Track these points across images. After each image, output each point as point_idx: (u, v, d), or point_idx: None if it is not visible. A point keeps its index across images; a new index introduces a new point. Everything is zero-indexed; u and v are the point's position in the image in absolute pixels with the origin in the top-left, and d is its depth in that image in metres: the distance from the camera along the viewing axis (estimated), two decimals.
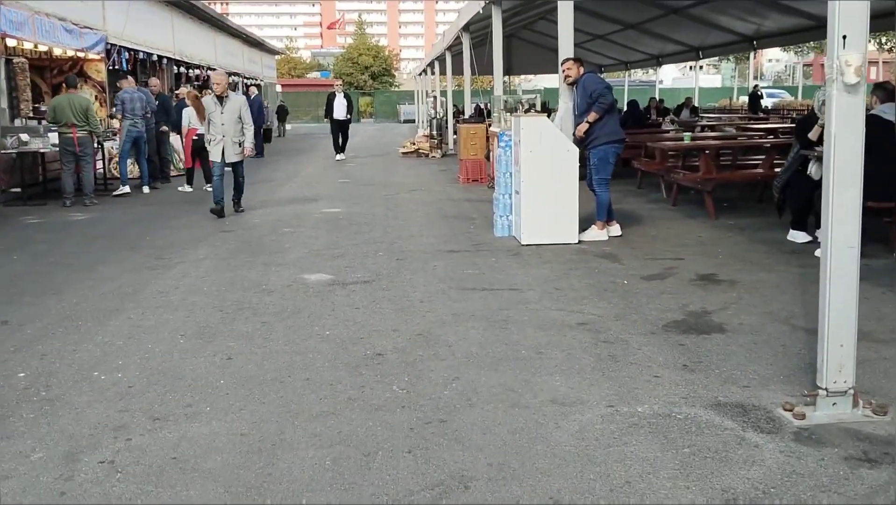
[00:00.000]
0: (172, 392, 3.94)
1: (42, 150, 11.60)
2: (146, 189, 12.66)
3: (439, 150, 20.59)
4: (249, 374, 4.18)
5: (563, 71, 8.13)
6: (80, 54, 15.61)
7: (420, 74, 35.96)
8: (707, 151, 9.74)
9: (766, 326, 4.93)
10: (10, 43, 12.35)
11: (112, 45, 17.18)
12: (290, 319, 5.25)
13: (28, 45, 13.20)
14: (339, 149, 20.16)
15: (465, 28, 17.00)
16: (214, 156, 9.97)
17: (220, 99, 9.82)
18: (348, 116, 20.16)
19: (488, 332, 4.88)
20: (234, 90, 15.03)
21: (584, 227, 8.13)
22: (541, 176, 7.68)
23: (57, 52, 14.70)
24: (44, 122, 11.88)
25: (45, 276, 6.72)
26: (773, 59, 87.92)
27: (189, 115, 12.93)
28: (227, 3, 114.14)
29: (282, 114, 37.08)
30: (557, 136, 7.73)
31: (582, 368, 4.21)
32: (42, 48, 14.31)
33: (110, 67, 17.22)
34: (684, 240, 7.97)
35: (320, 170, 17.37)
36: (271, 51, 42.38)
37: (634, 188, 12.36)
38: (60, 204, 11.30)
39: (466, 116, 16.73)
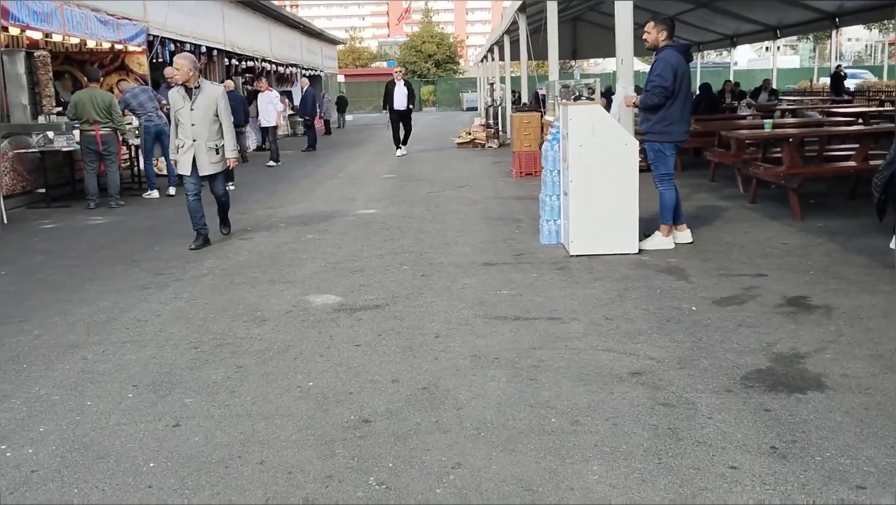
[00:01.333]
0: (82, 482, 3.00)
1: (66, 149, 10.96)
2: (172, 190, 11.91)
3: (496, 140, 19.49)
4: (191, 451, 3.21)
5: (644, 35, 6.93)
6: (119, 46, 15.05)
7: (481, 61, 34.79)
8: (791, 141, 8.42)
9: (879, 379, 3.74)
10: (35, 35, 11.76)
11: (154, 36, 16.61)
12: (272, 361, 4.28)
13: (57, 38, 12.59)
14: (401, 142, 18.35)
15: (522, 9, 15.82)
16: (183, 167, 7.55)
17: (189, 92, 7.44)
18: (409, 106, 18.17)
19: (512, 385, 3.82)
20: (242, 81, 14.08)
21: (648, 230, 6.97)
22: (593, 174, 6.55)
23: (90, 44, 14.13)
24: (65, 119, 11.23)
25: (22, 296, 5.93)
26: (853, 38, 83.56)
27: None
28: None
29: (341, 105, 36.39)
30: (613, 126, 6.58)
31: (631, 449, 3.11)
32: (76, 41, 13.78)
33: (153, 60, 16.67)
34: (766, 248, 6.73)
35: (368, 164, 16.47)
36: (332, 41, 41.79)
37: (707, 181, 11.06)
38: (84, 206, 10.64)
39: (521, 104, 15.56)
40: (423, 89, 59.53)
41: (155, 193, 11.76)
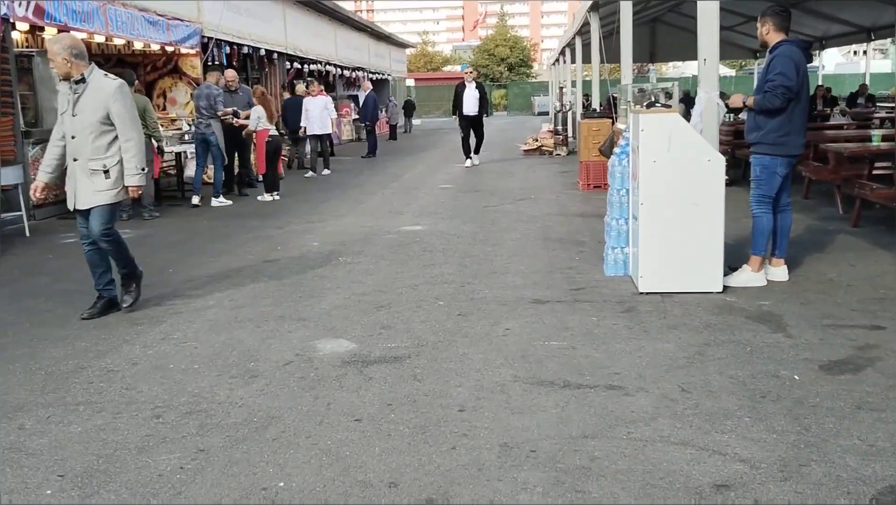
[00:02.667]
0: None
1: None
2: (215, 201, 11.19)
3: (564, 148, 18.38)
4: None
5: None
6: (169, 48, 14.53)
7: (553, 64, 33.58)
8: None
9: None
10: (78, 36, 11.20)
11: (209, 38, 16.08)
12: (245, 442, 3.35)
13: (99, 39, 12.06)
14: (472, 150, 16.50)
15: (594, 8, 14.66)
16: (70, 200, 5.37)
17: (75, 85, 5.12)
18: (482, 112, 16.35)
19: (550, 498, 2.79)
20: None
21: (733, 261, 5.83)
22: (668, 196, 5.45)
23: (137, 45, 13.61)
24: None
25: None
26: None
27: (258, 115, 11.37)
28: (371, 1, 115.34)
29: (409, 109, 35.71)
30: (694, 139, 5.47)
31: None
32: (121, 42, 13.28)
33: (208, 62, 16.14)
34: (879, 288, 5.51)
35: (426, 172, 15.55)
36: (401, 45, 41.19)
37: (800, 198, 9.73)
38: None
39: (590, 110, 14.41)
40: (495, 93, 58.53)
41: (195, 199, 11.12)
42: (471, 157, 16.29)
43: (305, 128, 15.51)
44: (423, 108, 48.09)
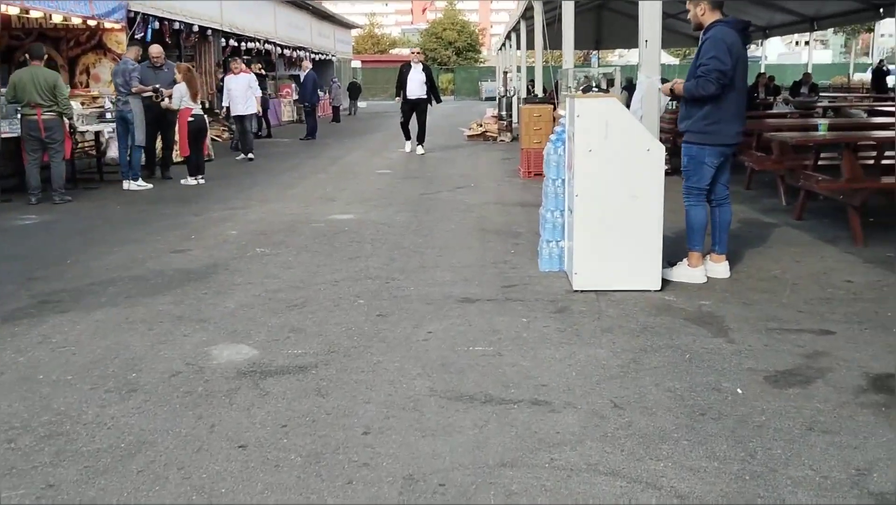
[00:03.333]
0: None
1: (6, 135, 9.60)
2: (132, 184, 10.52)
3: (508, 133, 17.99)
4: None
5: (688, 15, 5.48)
6: (92, 22, 13.68)
7: (500, 49, 33.16)
8: (849, 147, 6.90)
9: None
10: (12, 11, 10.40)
11: (136, 12, 15.24)
12: (103, 476, 2.84)
13: (13, 11, 11.23)
14: (416, 138, 15.31)
15: None
16: None
17: None
18: (428, 96, 15.11)
19: None
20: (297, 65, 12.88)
21: (674, 255, 5.49)
22: (605, 188, 5.07)
23: (56, 18, 12.77)
24: (1, 101, 9.85)
25: None
26: (886, 34, 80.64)
27: (181, 93, 10.70)
28: None
29: (354, 91, 34.95)
30: (633, 127, 5.08)
31: None
32: (38, 15, 12.43)
33: (136, 38, 15.30)
34: (826, 288, 5.21)
35: (366, 156, 15.01)
36: (347, 25, 40.30)
37: (741, 188, 9.49)
38: (26, 201, 9.28)
39: (532, 95, 14.05)
40: (443, 77, 57.92)
41: (129, 184, 10.47)
42: (412, 142, 15.35)
43: (228, 108, 14.69)
44: (369, 91, 47.31)
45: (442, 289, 5.35)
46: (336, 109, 28.74)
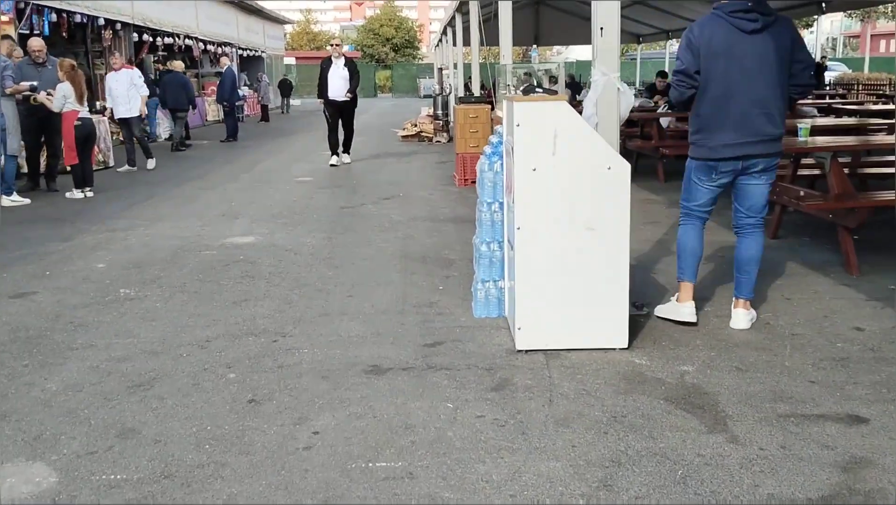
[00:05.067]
0: None
1: None
2: (5, 200, 8.98)
3: (445, 134, 16.78)
4: None
5: None
6: None
7: (437, 45, 31.92)
8: (835, 156, 5.84)
9: None
10: None
11: (26, 2, 13.59)
12: None
13: None
14: (339, 146, 12.92)
15: None
16: None
17: None
18: (349, 96, 12.59)
19: None
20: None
21: (642, 296, 4.34)
22: (554, 218, 3.87)
23: None
24: None
25: None
26: (811, 31, 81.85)
27: (64, 93, 9.19)
28: None
29: (285, 89, 33.36)
30: (589, 139, 3.89)
31: None
32: None
33: (26, 32, 13.66)
34: (833, 339, 4.11)
35: (286, 161, 13.62)
36: (278, 20, 38.55)
37: None
38: None
39: (468, 94, 12.85)
40: (379, 74, 56.58)
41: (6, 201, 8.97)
42: (338, 154, 12.84)
43: (112, 110, 12.64)
44: (304, 88, 45.55)
45: (345, 350, 4.08)
46: (265, 108, 27.12)
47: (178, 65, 16.91)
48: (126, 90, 12.32)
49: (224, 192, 9.97)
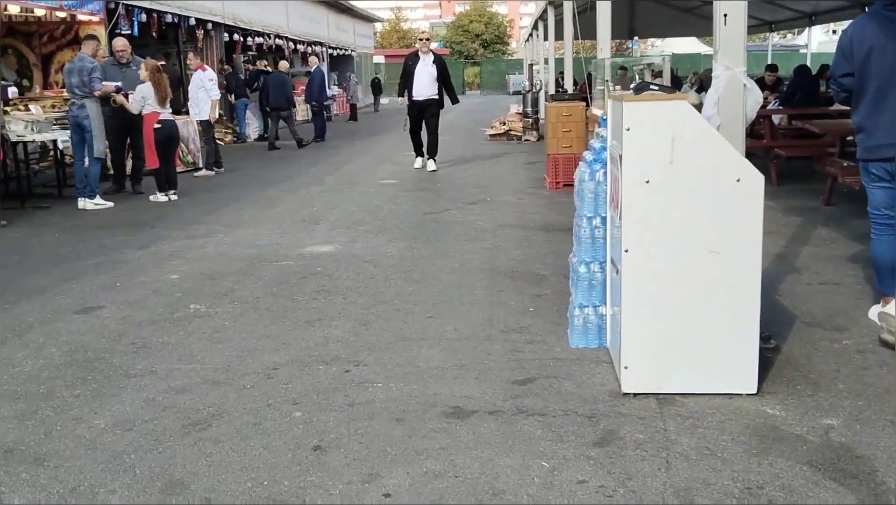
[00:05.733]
0: None
1: None
2: (82, 203, 8.93)
3: (534, 132, 16.18)
4: None
5: None
6: (60, 14, 12.12)
7: (527, 40, 31.23)
8: None
9: None
10: None
11: (117, 2, 13.67)
12: None
13: None
14: (424, 150, 11.83)
15: None
16: None
17: None
18: (439, 95, 11.47)
19: None
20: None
21: (771, 326, 3.71)
22: (671, 239, 3.29)
23: (13, 9, 11.21)
24: None
25: None
26: None
27: (143, 94, 9.05)
28: None
29: (375, 88, 33.35)
30: (715, 146, 3.28)
31: None
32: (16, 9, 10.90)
33: (118, 32, 13.74)
34: None
35: (372, 162, 13.30)
36: (368, 18, 38.59)
37: (820, 205, 7.65)
38: None
39: (561, 91, 12.22)
40: (468, 71, 56.20)
41: (85, 202, 8.96)
42: (424, 158, 11.87)
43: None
44: (393, 87, 45.61)
45: (424, 386, 3.60)
46: (353, 107, 27.04)
47: (283, 65, 17.63)
48: (195, 92, 12.02)
49: (307, 195, 9.66)
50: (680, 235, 3.28)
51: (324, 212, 8.40)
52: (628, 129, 3.27)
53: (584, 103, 9.75)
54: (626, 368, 3.41)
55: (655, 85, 3.46)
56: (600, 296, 4.01)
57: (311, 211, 8.50)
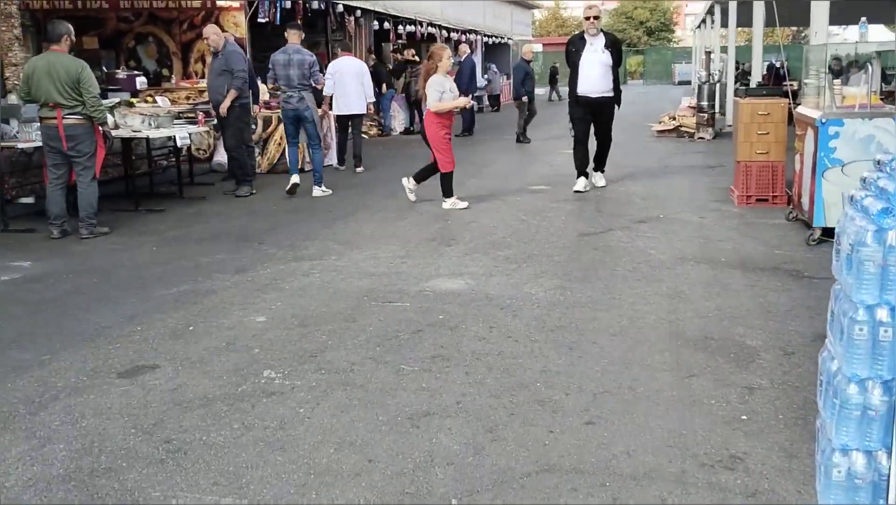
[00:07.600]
0: None
1: (25, 145, 7.31)
2: (317, 191, 8.95)
3: (710, 130, 14.14)
4: None
5: None
6: (196, 2, 11.44)
7: (698, 27, 28.63)
8: None
9: None
10: None
11: None
12: None
13: None
14: (593, 160, 9.10)
15: None
16: None
17: None
18: (611, 92, 8.59)
19: None
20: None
21: None
22: None
23: None
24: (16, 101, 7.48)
25: None
26: None
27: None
28: None
29: (553, 77, 31.97)
30: None
31: None
32: None
33: (261, 19, 13.05)
34: None
35: (521, 162, 11.85)
36: (526, 5, 37.03)
37: None
38: (47, 234, 6.95)
39: (755, 85, 10.20)
40: (631, 60, 53.38)
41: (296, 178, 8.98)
42: (587, 175, 8.91)
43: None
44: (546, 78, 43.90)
45: None
46: (496, 98, 25.75)
47: (462, 49, 17.60)
48: (352, 82, 11.02)
49: (438, 206, 8.30)
50: None
51: (458, 228, 7.03)
52: None
53: (784, 100, 7.83)
54: None
55: None
56: (880, 436, 2.37)
57: (443, 226, 7.16)
